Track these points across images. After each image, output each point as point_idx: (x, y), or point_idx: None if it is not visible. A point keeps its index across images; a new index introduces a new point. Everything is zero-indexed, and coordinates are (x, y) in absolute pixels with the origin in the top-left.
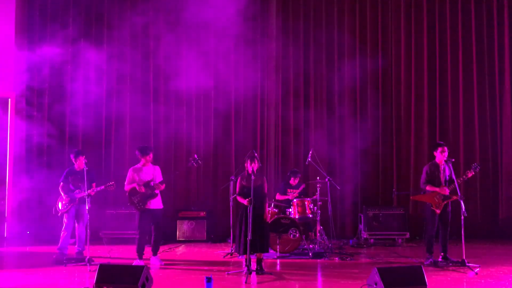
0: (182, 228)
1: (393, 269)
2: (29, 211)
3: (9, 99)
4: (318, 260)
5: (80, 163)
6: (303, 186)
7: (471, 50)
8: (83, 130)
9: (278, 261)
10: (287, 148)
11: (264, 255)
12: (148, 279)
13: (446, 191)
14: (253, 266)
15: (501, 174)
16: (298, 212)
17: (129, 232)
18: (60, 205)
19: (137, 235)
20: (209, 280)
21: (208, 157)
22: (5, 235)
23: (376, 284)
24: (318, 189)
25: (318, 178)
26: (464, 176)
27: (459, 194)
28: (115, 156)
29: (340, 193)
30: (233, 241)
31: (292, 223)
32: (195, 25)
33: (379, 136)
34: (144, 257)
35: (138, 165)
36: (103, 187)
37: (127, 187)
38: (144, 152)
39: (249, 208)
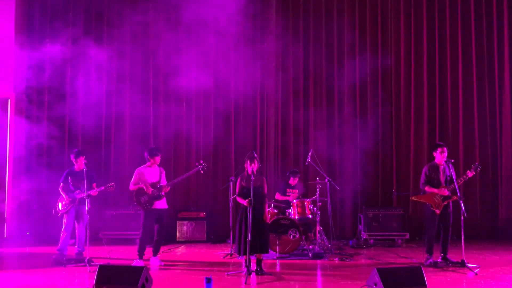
0: (182, 229)
1: (392, 269)
2: (29, 211)
3: (9, 100)
4: (318, 261)
5: (80, 163)
6: (302, 189)
7: (470, 50)
8: (83, 130)
9: (277, 261)
10: (287, 148)
11: (263, 256)
12: (148, 279)
13: (445, 192)
14: (253, 266)
15: (501, 174)
16: (297, 212)
17: (129, 232)
18: (60, 205)
19: (139, 234)
20: (208, 280)
21: (208, 158)
22: (5, 236)
23: (375, 285)
24: (317, 189)
25: (318, 178)
26: (465, 176)
27: (458, 194)
28: (115, 156)
29: (340, 193)
30: (233, 242)
31: (292, 223)
32: (195, 23)
33: (379, 137)
34: (144, 257)
35: (145, 166)
36: (103, 187)
37: (133, 187)
38: (152, 153)
39: (249, 208)
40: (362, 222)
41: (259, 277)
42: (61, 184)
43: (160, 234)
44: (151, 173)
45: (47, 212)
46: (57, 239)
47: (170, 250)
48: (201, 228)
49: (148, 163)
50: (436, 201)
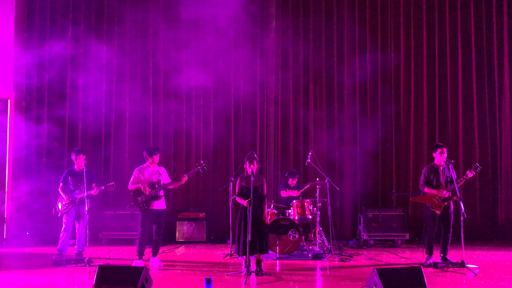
0: (182, 229)
1: (392, 270)
2: (29, 212)
3: (9, 100)
4: (318, 261)
5: (80, 162)
6: (307, 186)
7: (470, 50)
8: (83, 129)
9: (277, 262)
10: (287, 147)
11: (263, 256)
12: (148, 280)
13: (445, 194)
14: (253, 267)
15: (501, 175)
16: (297, 213)
17: (129, 233)
18: (59, 206)
19: (138, 235)
20: (208, 281)
21: (208, 157)
22: (5, 236)
23: (375, 285)
24: (317, 190)
25: (317, 179)
26: (465, 177)
27: (458, 195)
28: (115, 155)
29: (340, 194)
30: (233, 242)
31: (292, 224)
32: (195, 21)
33: (379, 137)
34: (143, 257)
35: (144, 166)
36: (103, 187)
37: (131, 186)
38: (151, 152)
39: (249, 209)
40: (362, 222)
41: (259, 277)
42: (61, 184)
43: (159, 234)
44: (150, 172)
45: (47, 212)
46: (56, 239)
47: (170, 250)
48: (201, 228)
49: (147, 163)
50: (436, 202)
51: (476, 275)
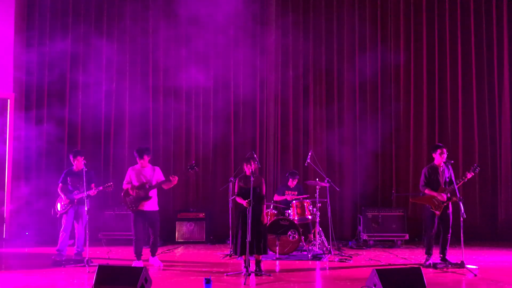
0: (181, 230)
1: (392, 270)
2: (28, 212)
3: (8, 100)
4: (317, 262)
5: (78, 164)
6: (306, 196)
7: (470, 51)
8: (82, 129)
9: (277, 262)
10: (287, 147)
11: (263, 257)
12: (147, 280)
13: (444, 197)
14: (252, 267)
15: (500, 176)
16: (297, 213)
17: (129, 233)
18: (59, 206)
19: (132, 236)
20: (208, 281)
21: (208, 157)
22: (4, 236)
23: (375, 286)
24: (317, 190)
25: (317, 179)
26: (464, 177)
27: (458, 195)
28: (114, 155)
29: (339, 194)
30: (232, 243)
31: (291, 224)
32: (194, 20)
33: (379, 137)
34: (143, 258)
35: (137, 166)
36: (101, 187)
37: (125, 186)
38: (141, 154)
39: (248, 209)
40: (361, 223)
41: (258, 278)
42: (60, 184)
43: (155, 235)
44: (142, 172)
45: (46, 212)
46: (56, 239)
47: (170, 250)
48: (200, 228)
49: (139, 163)
50: (436, 202)
51: (475, 275)
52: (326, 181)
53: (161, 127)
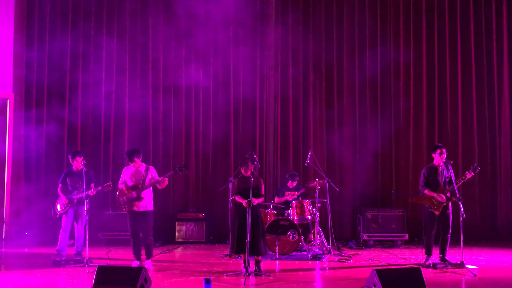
0: (181, 230)
1: (391, 270)
2: (28, 212)
3: (8, 100)
4: (317, 262)
5: (77, 164)
6: (302, 190)
7: (469, 52)
8: (82, 129)
9: (276, 262)
10: (287, 147)
11: (262, 257)
12: (147, 280)
13: (443, 198)
14: (252, 267)
15: (500, 176)
16: (297, 213)
17: (128, 233)
18: (58, 206)
19: (130, 237)
20: (208, 281)
21: (207, 158)
22: (4, 236)
23: (374, 286)
24: (317, 190)
25: (317, 179)
26: (463, 177)
27: (457, 195)
28: (114, 154)
29: (339, 194)
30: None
31: (291, 224)
32: (194, 18)
33: (378, 137)
34: (142, 258)
35: (131, 166)
36: (100, 188)
37: (119, 186)
38: (131, 157)
39: (248, 209)
40: (361, 223)
41: (258, 278)
42: (60, 184)
43: (148, 236)
44: (135, 173)
45: (46, 212)
46: (56, 239)
47: (169, 250)
48: (200, 229)
49: (131, 164)
50: (435, 202)
51: (475, 275)
52: (325, 181)
53: (161, 125)
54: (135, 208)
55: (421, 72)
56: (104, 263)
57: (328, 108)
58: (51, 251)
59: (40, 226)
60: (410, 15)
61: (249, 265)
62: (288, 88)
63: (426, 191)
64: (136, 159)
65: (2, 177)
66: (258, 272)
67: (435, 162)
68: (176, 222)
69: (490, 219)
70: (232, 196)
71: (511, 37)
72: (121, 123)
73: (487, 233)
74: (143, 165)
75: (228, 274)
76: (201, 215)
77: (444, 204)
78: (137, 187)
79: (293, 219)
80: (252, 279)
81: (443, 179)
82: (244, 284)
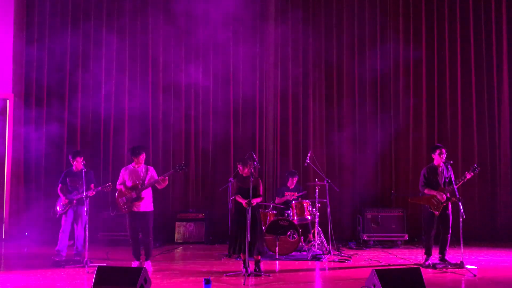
0: (181, 230)
1: (391, 271)
2: (28, 212)
3: (8, 100)
4: (317, 262)
5: (77, 164)
6: (304, 192)
7: (469, 52)
8: (82, 129)
9: (276, 262)
10: (286, 146)
11: (262, 257)
12: (146, 280)
13: (444, 197)
14: (251, 267)
15: (500, 177)
16: (296, 214)
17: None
18: (58, 207)
19: (129, 237)
20: (207, 281)
21: (207, 158)
22: (3, 237)
23: (374, 286)
24: (316, 191)
25: (317, 180)
26: (463, 178)
27: (457, 196)
28: (114, 154)
29: (339, 194)
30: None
31: (291, 225)
32: (194, 16)
33: (378, 137)
34: (142, 258)
35: (130, 166)
36: (99, 188)
37: (118, 187)
38: (134, 153)
39: (248, 210)
40: (361, 223)
41: (258, 278)
42: (59, 185)
43: (148, 237)
44: (135, 173)
45: (45, 212)
46: (55, 240)
47: (169, 251)
48: (199, 229)
49: (133, 163)
50: (435, 202)
51: (475, 276)
52: (325, 181)
53: (160, 124)
54: (135, 209)
55: (421, 71)
56: (104, 263)
57: (328, 107)
58: (51, 251)
59: (40, 226)
60: (410, 14)
61: (248, 265)
62: (288, 87)
63: (426, 190)
64: (140, 157)
65: (2, 177)
66: (257, 272)
67: (435, 162)
68: (176, 223)
69: (490, 219)
70: (232, 196)
71: (511, 37)
72: (121, 122)
73: (487, 233)
74: (143, 165)
75: (227, 274)
76: (201, 215)
77: (444, 204)
78: (137, 187)
79: (293, 219)
80: (251, 279)
81: (443, 179)
82: (244, 284)
